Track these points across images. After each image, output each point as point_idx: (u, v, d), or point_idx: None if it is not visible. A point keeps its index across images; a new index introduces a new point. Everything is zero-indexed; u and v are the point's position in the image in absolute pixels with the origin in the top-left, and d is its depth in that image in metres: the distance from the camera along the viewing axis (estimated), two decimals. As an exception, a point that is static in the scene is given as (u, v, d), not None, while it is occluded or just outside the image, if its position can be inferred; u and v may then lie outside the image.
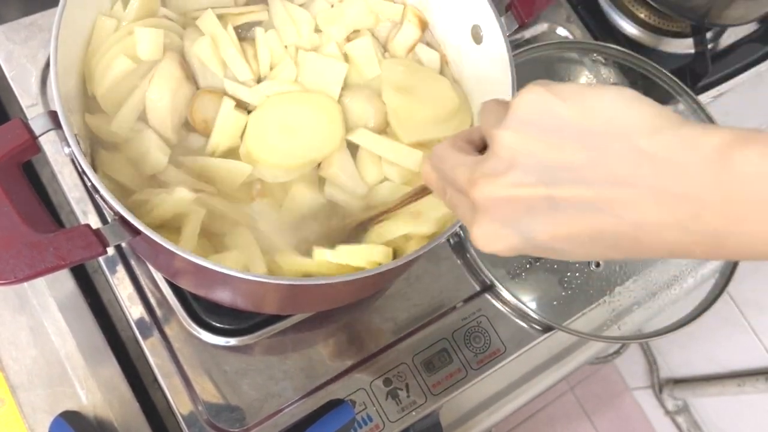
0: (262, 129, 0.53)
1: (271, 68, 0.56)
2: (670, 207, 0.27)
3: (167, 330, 0.59)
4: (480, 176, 0.31)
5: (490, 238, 0.32)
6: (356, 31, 0.59)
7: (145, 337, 0.59)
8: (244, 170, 0.51)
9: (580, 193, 0.28)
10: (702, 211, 0.27)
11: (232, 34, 0.54)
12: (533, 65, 0.75)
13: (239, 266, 0.47)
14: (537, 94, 0.30)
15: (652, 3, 0.81)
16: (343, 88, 0.56)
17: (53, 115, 0.42)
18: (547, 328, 0.67)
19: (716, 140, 0.27)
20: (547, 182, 0.29)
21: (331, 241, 0.50)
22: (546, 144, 0.29)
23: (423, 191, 0.43)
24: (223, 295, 0.51)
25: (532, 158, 0.29)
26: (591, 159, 0.28)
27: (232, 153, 0.53)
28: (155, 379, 0.59)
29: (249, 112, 0.54)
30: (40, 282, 0.60)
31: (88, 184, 0.41)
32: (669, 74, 0.76)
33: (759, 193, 0.26)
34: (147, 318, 0.59)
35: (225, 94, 0.54)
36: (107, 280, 0.61)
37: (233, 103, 0.52)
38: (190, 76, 0.54)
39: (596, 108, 0.29)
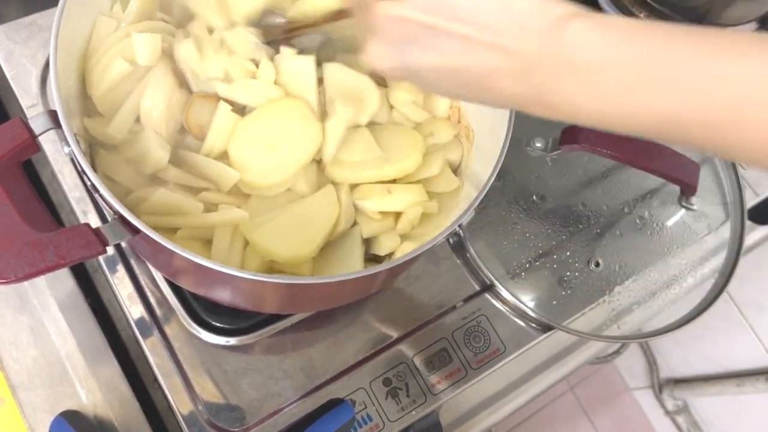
0: (245, 153, 0.52)
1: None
2: (512, 60, 0.34)
3: (167, 330, 0.59)
4: None
5: (378, 55, 0.39)
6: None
7: (145, 337, 0.59)
8: (233, 177, 0.51)
9: (454, 29, 0.35)
10: (534, 67, 0.33)
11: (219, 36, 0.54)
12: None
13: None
14: None
15: (652, 3, 0.81)
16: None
17: (53, 115, 0.42)
18: (546, 328, 0.67)
19: (561, 11, 0.33)
20: (434, 13, 0.35)
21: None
22: None
23: (343, 12, 0.48)
24: (222, 295, 0.51)
25: None
26: (472, 5, 0.34)
27: (226, 156, 0.53)
28: (155, 379, 0.59)
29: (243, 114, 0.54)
30: (41, 281, 0.60)
31: (88, 183, 0.41)
32: (669, 74, 0.76)
33: (575, 58, 0.32)
34: (147, 317, 0.59)
35: (218, 97, 0.53)
36: (107, 280, 0.61)
37: (229, 106, 0.52)
38: (184, 83, 0.54)
39: None
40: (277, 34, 0.54)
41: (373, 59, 0.39)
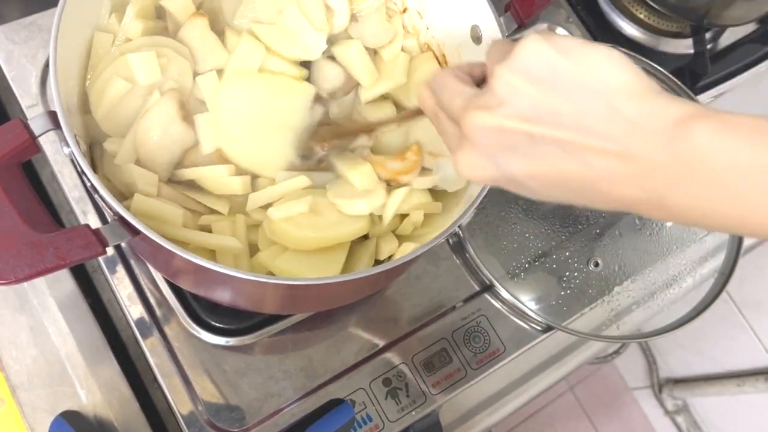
0: (231, 135, 0.51)
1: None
2: (629, 164, 0.31)
3: (167, 330, 0.59)
4: (474, 107, 0.34)
5: (471, 165, 0.36)
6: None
7: (145, 337, 0.59)
8: (233, 186, 0.51)
9: (558, 136, 0.32)
10: (653, 173, 0.31)
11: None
12: (533, 65, 0.75)
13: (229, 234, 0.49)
14: (539, 46, 0.33)
15: (651, 3, 0.81)
16: None
17: (53, 116, 0.42)
18: (546, 328, 0.67)
19: (678, 112, 0.30)
20: (532, 121, 0.32)
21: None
22: (539, 89, 0.32)
23: (416, 113, 0.46)
24: (222, 295, 0.51)
25: (524, 99, 0.33)
26: (574, 109, 0.32)
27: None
28: (155, 379, 0.59)
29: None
30: (40, 282, 0.60)
31: (88, 184, 0.41)
32: (668, 74, 0.76)
33: (700, 162, 0.29)
34: (147, 318, 0.59)
35: None
36: (107, 280, 0.61)
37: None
38: (188, 117, 0.52)
39: (588, 65, 0.32)
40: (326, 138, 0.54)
41: (465, 169, 0.36)
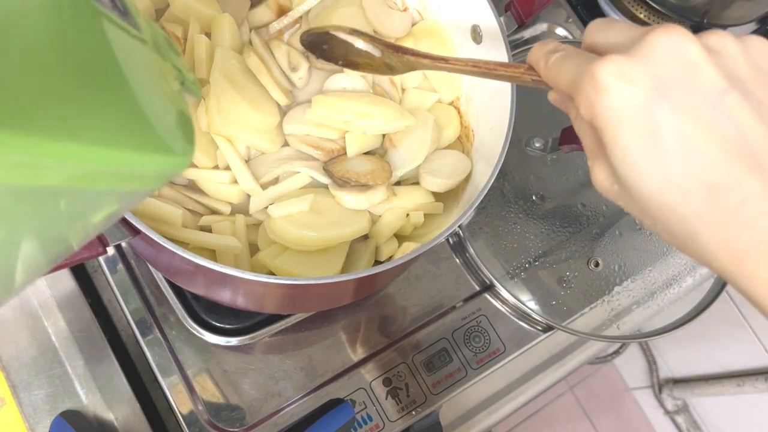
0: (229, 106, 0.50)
1: None
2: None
3: (167, 330, 0.59)
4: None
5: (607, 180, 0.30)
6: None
7: (145, 337, 0.59)
8: (231, 195, 0.51)
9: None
10: None
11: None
12: (533, 65, 0.75)
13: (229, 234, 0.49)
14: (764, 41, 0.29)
15: (651, 3, 0.82)
16: None
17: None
18: (546, 328, 0.67)
19: None
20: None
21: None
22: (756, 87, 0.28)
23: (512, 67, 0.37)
24: (222, 295, 0.51)
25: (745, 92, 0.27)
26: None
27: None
28: (155, 379, 0.59)
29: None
30: (40, 282, 0.60)
31: (89, 183, 0.41)
32: (668, 74, 0.76)
33: None
34: (147, 317, 0.59)
35: None
36: (107, 280, 0.61)
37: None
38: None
39: None
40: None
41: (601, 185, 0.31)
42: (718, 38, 0.28)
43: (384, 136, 0.55)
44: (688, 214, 0.28)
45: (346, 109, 0.52)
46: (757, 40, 0.29)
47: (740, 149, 0.26)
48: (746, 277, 0.28)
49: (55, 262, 0.23)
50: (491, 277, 0.66)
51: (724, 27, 0.87)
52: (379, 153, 0.56)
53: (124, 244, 0.60)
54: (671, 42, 0.27)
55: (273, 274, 0.48)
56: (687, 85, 0.27)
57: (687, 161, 0.27)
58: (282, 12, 0.57)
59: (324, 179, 0.52)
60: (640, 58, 0.27)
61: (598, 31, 0.31)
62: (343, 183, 0.51)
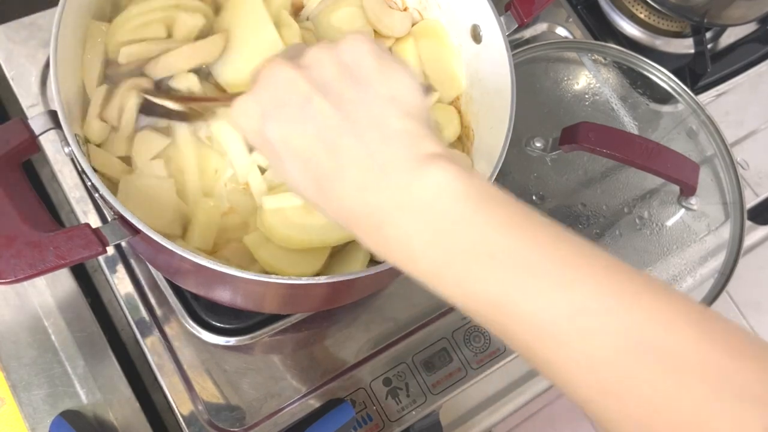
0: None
1: None
2: (370, 168, 0.32)
3: (167, 330, 0.59)
4: (282, 58, 0.35)
5: (244, 110, 0.36)
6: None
7: (145, 337, 0.59)
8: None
9: (331, 112, 0.33)
10: (387, 190, 0.32)
11: None
12: (533, 65, 0.75)
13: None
14: (361, 40, 0.35)
15: (651, 3, 0.82)
16: None
17: (53, 115, 0.42)
18: (546, 328, 0.67)
19: (434, 150, 0.32)
20: (318, 89, 0.33)
21: None
22: (340, 71, 0.34)
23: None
24: (222, 295, 0.51)
25: (323, 71, 0.34)
26: (356, 98, 0.33)
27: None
28: (155, 379, 0.59)
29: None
30: (41, 281, 0.60)
31: (88, 183, 0.41)
32: (669, 74, 0.76)
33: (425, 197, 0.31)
34: (147, 318, 0.59)
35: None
36: (107, 280, 0.61)
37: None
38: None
39: (391, 76, 0.35)
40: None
41: (236, 112, 0.37)
42: (312, 53, 0.35)
43: None
44: (320, 205, 0.34)
45: None
46: (346, 42, 0.35)
47: (322, 139, 0.33)
48: (380, 244, 0.33)
49: None
50: (491, 277, 0.65)
51: (724, 27, 0.87)
52: None
53: (124, 244, 0.61)
54: (270, 71, 0.34)
55: (259, 264, 0.48)
56: (284, 101, 0.34)
57: (295, 161, 0.33)
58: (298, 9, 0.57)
59: None
60: (252, 93, 0.35)
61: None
62: None
